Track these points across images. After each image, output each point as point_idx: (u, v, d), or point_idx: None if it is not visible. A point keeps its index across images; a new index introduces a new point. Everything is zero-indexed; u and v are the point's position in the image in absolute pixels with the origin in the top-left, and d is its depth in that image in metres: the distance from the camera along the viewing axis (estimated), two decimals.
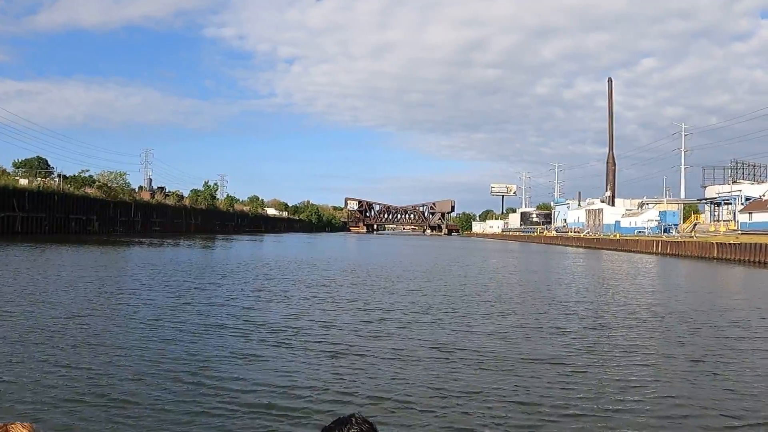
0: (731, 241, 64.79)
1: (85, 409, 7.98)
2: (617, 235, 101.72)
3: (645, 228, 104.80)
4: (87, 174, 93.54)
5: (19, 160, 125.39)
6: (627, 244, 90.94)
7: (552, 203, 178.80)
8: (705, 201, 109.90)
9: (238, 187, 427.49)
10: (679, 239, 79.17)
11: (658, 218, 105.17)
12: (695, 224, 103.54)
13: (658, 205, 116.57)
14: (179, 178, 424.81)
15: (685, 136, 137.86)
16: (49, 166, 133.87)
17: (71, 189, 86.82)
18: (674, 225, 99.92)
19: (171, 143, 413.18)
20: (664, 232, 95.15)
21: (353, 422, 2.09)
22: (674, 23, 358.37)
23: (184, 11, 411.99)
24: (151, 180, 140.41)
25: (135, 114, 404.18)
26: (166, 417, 7.86)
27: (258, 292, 21.27)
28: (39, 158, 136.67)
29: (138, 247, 53.11)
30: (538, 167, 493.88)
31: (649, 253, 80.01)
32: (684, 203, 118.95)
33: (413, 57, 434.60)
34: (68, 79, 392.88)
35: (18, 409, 7.73)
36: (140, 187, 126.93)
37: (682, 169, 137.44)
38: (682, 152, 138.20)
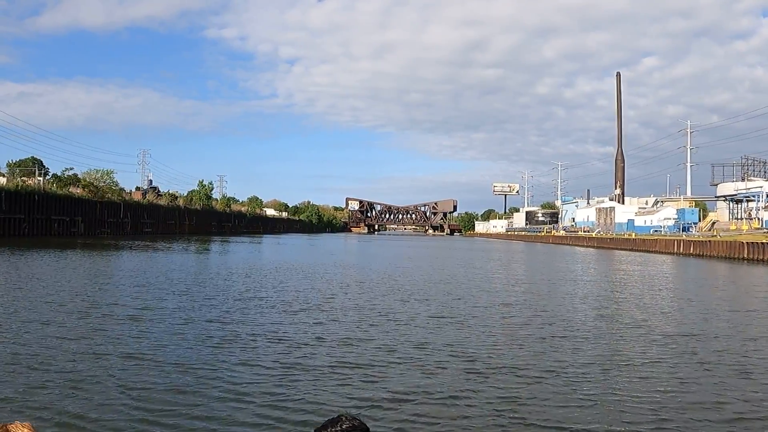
0: (763, 241, 58.54)
1: None
2: (633, 234, 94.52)
3: (661, 227, 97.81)
4: (71, 172, 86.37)
5: (13, 161, 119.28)
6: (644, 244, 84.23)
7: (558, 202, 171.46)
8: (724, 198, 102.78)
9: (238, 188, 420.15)
10: (703, 239, 72.50)
11: (676, 216, 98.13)
12: (713, 222, 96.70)
13: (675, 202, 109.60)
14: (179, 179, 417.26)
15: (690, 133, 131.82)
16: (44, 166, 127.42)
17: (54, 188, 79.83)
18: (694, 223, 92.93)
19: (171, 144, 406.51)
20: (683, 231, 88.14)
21: (344, 420, 2.15)
22: (675, 22, 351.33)
23: (187, 12, 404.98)
24: (151, 181, 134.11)
25: (135, 115, 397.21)
26: None
27: (211, 326, 13.97)
28: (33, 159, 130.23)
29: (113, 251, 45.99)
30: (539, 167, 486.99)
31: (670, 253, 73.74)
32: (700, 200, 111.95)
33: (414, 57, 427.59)
34: (69, 80, 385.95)
35: None
36: (138, 188, 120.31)
37: (688, 167, 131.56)
38: (688, 150, 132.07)
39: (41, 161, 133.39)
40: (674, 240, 76.91)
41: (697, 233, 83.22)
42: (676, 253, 72.50)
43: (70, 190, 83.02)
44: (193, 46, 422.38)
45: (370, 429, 2.09)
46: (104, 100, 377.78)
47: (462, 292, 22.98)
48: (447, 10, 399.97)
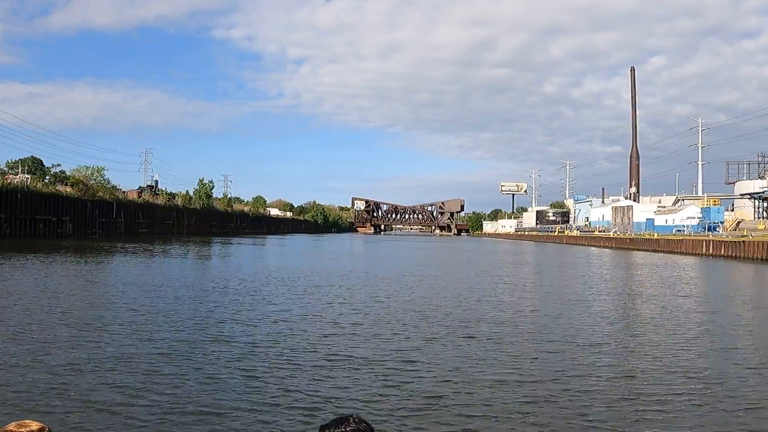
0: None
1: None
2: (655, 234, 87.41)
3: (684, 226, 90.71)
4: (59, 169, 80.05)
5: (13, 161, 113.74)
6: (668, 244, 77.46)
7: (568, 201, 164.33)
8: (750, 196, 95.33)
9: (245, 188, 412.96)
10: (735, 239, 65.82)
11: (701, 215, 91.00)
12: (739, 222, 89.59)
13: (697, 201, 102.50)
14: (186, 180, 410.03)
15: (701, 131, 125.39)
16: (44, 166, 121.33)
17: (40, 186, 73.40)
18: (720, 223, 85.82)
19: (178, 145, 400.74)
20: (709, 230, 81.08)
21: (350, 421, 2.01)
22: (683, 21, 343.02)
23: (197, 12, 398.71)
24: (157, 182, 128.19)
25: (142, 116, 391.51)
26: None
27: (95, 419, 7.18)
28: (33, 158, 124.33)
29: (84, 254, 39.23)
30: (546, 166, 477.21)
31: (698, 255, 67.43)
32: (723, 198, 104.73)
33: (421, 57, 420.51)
34: (77, 81, 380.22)
35: None
36: (140, 188, 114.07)
37: (700, 165, 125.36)
38: (700, 148, 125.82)
39: (41, 161, 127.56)
40: (702, 240, 70.33)
41: (725, 233, 76.40)
42: (705, 255, 66.23)
43: (57, 188, 76.63)
44: (201, 46, 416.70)
45: None
46: (112, 101, 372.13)
47: (521, 322, 15.98)
48: (455, 9, 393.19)
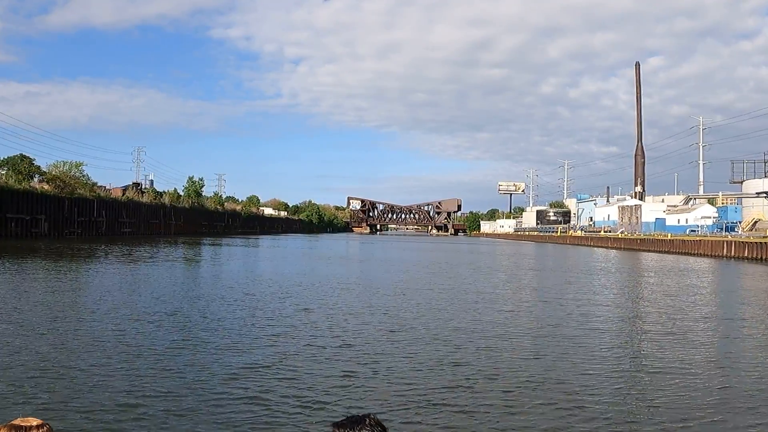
0: None
1: None
2: (669, 235, 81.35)
3: (698, 226, 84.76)
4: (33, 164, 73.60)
5: (1, 159, 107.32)
6: (684, 245, 71.81)
7: (571, 201, 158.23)
8: (765, 194, 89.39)
9: (241, 188, 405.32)
10: (758, 240, 60.24)
11: (717, 215, 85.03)
12: (756, 221, 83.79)
13: (708, 199, 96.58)
14: (182, 179, 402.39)
15: (697, 131, 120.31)
16: (32, 164, 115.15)
17: (11, 182, 66.74)
18: (738, 222, 79.92)
19: (175, 144, 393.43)
20: (727, 231, 75.15)
21: (366, 423, 1.85)
22: (681, 22, 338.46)
23: (198, 10, 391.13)
24: (152, 181, 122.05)
25: (139, 116, 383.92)
26: None
27: None
28: (22, 156, 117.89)
29: (33, 258, 32.76)
30: (543, 166, 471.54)
31: (717, 256, 62.29)
32: (739, 197, 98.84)
33: (419, 57, 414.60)
34: (74, 81, 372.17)
35: None
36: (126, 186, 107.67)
37: (701, 165, 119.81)
38: (701, 147, 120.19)
39: (30, 159, 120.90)
40: (723, 242, 64.72)
41: (745, 234, 70.63)
42: (726, 257, 60.87)
43: (32, 184, 70.07)
44: (199, 45, 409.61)
45: None
46: (109, 100, 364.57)
47: (613, 375, 9.64)
48: (453, 9, 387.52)
